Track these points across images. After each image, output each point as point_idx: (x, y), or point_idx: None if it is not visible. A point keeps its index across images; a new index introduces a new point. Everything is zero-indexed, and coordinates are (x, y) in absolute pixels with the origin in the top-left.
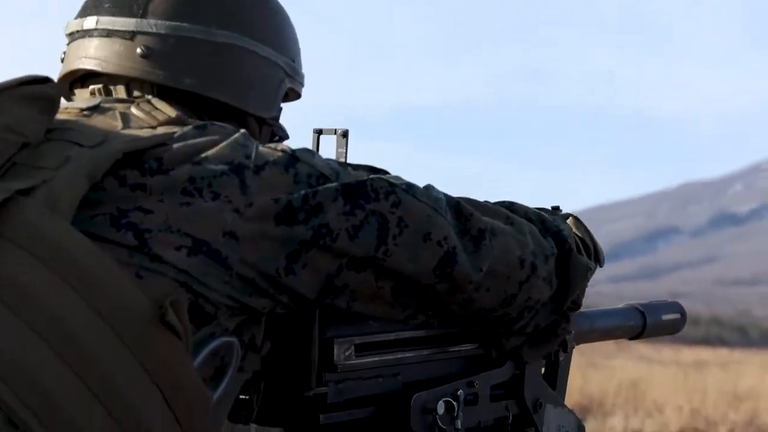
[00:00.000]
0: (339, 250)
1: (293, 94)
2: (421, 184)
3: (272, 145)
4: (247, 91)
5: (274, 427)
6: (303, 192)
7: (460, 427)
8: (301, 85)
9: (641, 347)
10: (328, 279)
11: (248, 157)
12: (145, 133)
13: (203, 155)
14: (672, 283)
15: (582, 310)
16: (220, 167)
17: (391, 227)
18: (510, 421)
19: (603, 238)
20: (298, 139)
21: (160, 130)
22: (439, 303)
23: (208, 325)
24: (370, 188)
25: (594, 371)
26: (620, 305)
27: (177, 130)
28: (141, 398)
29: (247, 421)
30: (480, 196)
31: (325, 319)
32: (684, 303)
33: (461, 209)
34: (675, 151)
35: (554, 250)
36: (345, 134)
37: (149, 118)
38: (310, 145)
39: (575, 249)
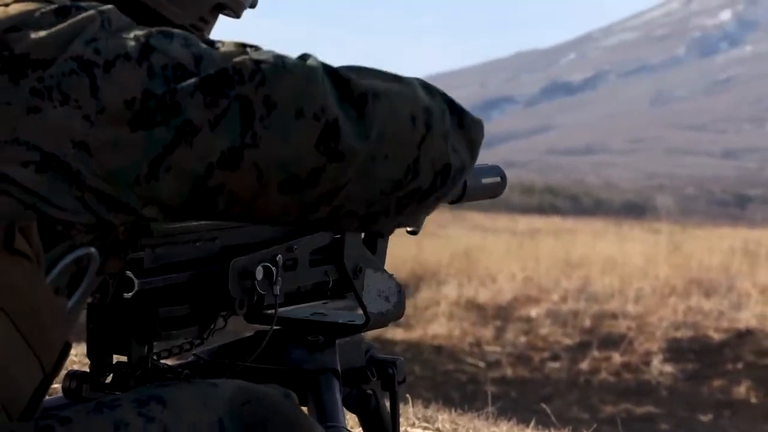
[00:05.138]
0: (202, 146)
1: (229, 11)
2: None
3: (124, 30)
4: None
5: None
6: (159, 90)
7: (278, 292)
8: (241, 4)
9: (475, 216)
10: (197, 181)
11: (98, 51)
12: None
13: (54, 56)
14: (506, 153)
15: None
16: (69, 64)
17: (257, 109)
18: (330, 286)
19: None
20: None
21: (14, 8)
22: (335, 185)
23: (62, 243)
24: (233, 71)
25: (428, 240)
26: None
27: (34, 7)
28: None
29: None
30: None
31: None
32: (518, 172)
33: (338, 74)
34: (507, 19)
35: (446, 109)
36: None
37: None
38: None
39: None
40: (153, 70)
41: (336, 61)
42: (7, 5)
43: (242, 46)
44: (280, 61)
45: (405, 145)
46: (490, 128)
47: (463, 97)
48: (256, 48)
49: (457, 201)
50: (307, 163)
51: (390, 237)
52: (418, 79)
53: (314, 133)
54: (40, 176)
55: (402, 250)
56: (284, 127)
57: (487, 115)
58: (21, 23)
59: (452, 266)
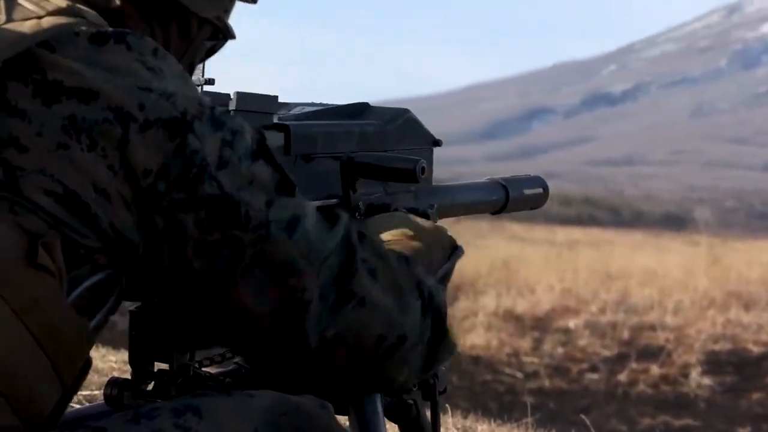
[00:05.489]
0: (181, 259)
1: None
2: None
3: (177, 87)
4: None
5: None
6: (173, 174)
7: None
8: None
9: (514, 227)
10: (168, 275)
11: (142, 107)
12: (29, 27)
13: (92, 87)
14: (546, 163)
15: (444, 184)
16: (106, 112)
17: (246, 258)
18: None
19: (478, 117)
20: None
21: (47, 21)
22: (275, 351)
23: (84, 266)
24: (243, 214)
25: (467, 249)
26: (483, 179)
27: (68, 22)
28: (7, 341)
29: None
30: (342, 74)
31: None
32: (557, 183)
33: (353, 256)
34: (548, 30)
35: (429, 333)
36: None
37: (37, 8)
38: None
39: (449, 328)
40: (181, 150)
41: (381, 72)
42: (40, 17)
43: (278, 179)
44: (293, 223)
45: (357, 360)
46: (530, 139)
47: (503, 107)
48: (287, 191)
49: (500, 211)
50: (259, 323)
51: None
52: (430, 288)
53: (278, 303)
54: (60, 207)
55: None
56: (259, 284)
57: (527, 126)
58: (54, 39)
59: (491, 276)
